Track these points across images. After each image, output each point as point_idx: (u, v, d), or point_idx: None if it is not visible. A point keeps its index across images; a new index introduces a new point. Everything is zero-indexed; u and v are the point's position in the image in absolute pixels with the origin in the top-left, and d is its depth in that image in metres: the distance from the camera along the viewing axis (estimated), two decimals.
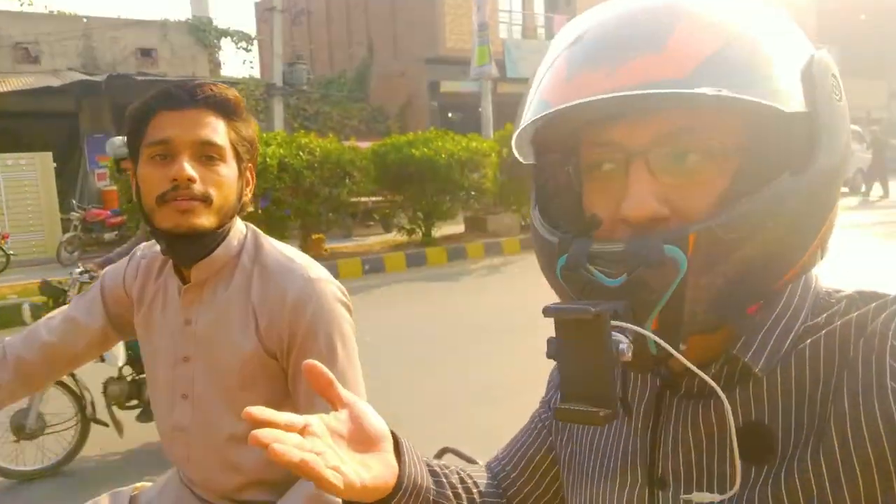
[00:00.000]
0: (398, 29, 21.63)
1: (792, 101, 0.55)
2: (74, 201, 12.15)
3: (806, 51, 0.59)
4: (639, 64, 0.54)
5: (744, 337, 0.61)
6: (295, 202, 9.16)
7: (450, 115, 20.62)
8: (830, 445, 0.55)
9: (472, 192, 11.03)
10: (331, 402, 0.66)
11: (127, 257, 1.41)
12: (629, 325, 0.55)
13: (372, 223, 13.33)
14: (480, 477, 0.87)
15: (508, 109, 18.10)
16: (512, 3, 21.67)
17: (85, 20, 15.58)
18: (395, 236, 11.30)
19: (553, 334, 0.57)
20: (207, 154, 1.14)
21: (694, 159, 0.58)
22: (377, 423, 0.67)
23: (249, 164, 1.24)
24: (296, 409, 1.18)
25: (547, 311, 0.56)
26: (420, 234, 10.92)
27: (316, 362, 0.65)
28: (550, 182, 0.70)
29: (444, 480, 0.77)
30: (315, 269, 1.24)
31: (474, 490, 0.82)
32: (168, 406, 1.30)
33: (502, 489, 0.88)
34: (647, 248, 0.54)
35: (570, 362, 0.56)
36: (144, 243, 1.42)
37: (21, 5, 15.37)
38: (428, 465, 0.76)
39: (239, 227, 1.28)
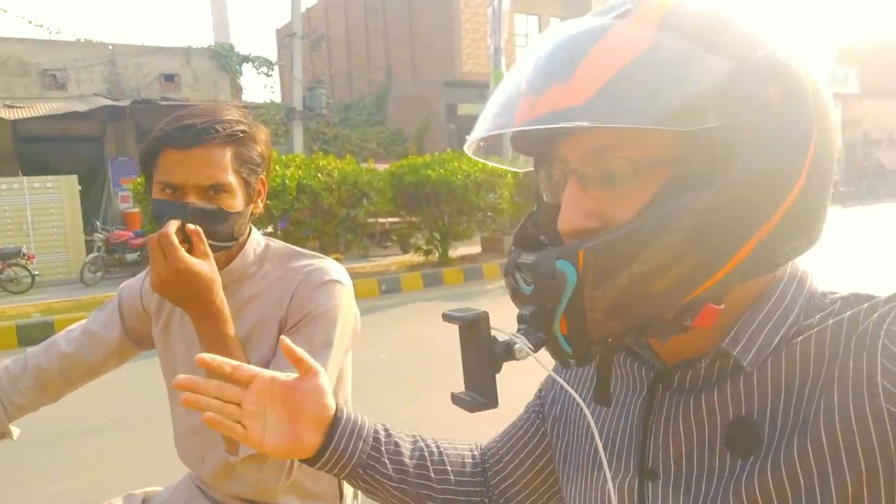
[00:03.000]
0: (416, 53, 21.91)
1: (697, 117, 0.55)
2: (98, 223, 12.35)
3: (740, 59, 0.56)
4: (552, 93, 0.57)
5: (733, 330, 0.63)
6: (313, 223, 9.26)
7: (467, 137, 20.71)
8: (819, 439, 0.56)
9: (489, 213, 11.06)
10: (301, 371, 0.79)
11: (145, 272, 1.45)
12: (498, 329, 0.64)
13: (389, 244, 13.40)
14: (460, 456, 0.91)
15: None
16: (528, 26, 21.88)
17: (111, 47, 15.95)
18: (411, 257, 11.33)
19: None
20: (213, 191, 1.19)
21: (618, 174, 0.60)
22: (319, 408, 0.79)
23: (261, 177, 1.28)
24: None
25: (443, 317, 0.67)
26: (436, 254, 10.95)
27: (285, 339, 0.78)
28: (538, 190, 0.73)
29: (387, 458, 0.84)
30: (339, 273, 1.31)
31: (436, 468, 0.87)
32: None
33: (489, 471, 0.91)
34: (543, 263, 0.59)
35: (465, 358, 0.66)
36: None
37: (50, 34, 15.75)
38: (379, 440, 0.84)
39: (255, 238, 1.33)
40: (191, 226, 1.14)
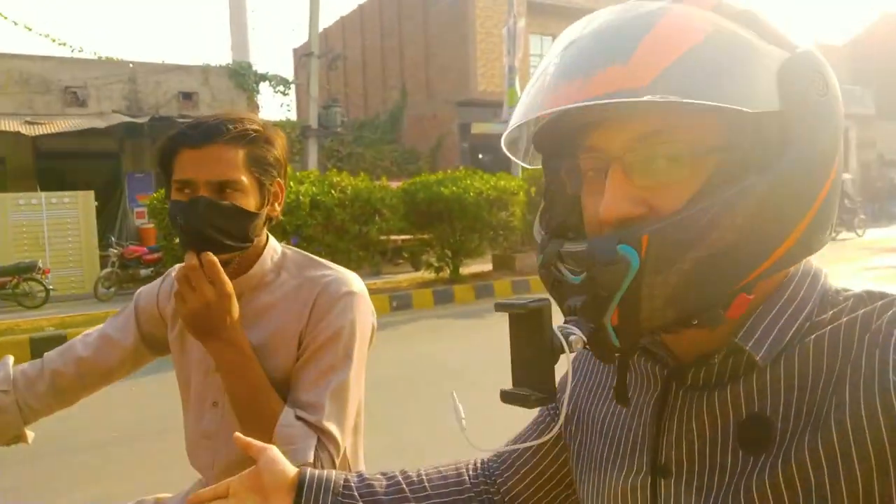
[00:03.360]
0: (431, 73, 22.10)
1: (760, 101, 0.56)
2: (113, 238, 12.47)
3: (787, 49, 0.60)
4: (608, 74, 0.56)
5: (747, 325, 0.63)
6: (326, 239, 9.29)
7: (480, 156, 20.83)
8: (829, 436, 0.56)
9: (500, 231, 11.06)
10: (253, 455, 0.85)
11: (161, 278, 1.48)
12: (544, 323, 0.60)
13: (401, 261, 13.42)
14: (439, 473, 0.93)
15: None
16: (543, 46, 22.00)
17: (131, 65, 16.21)
18: (423, 274, 11.34)
19: None
20: (225, 188, 1.21)
21: (666, 161, 0.60)
22: (276, 476, 0.83)
23: (277, 180, 1.30)
24: (295, 387, 1.25)
25: (496, 306, 0.62)
26: (448, 271, 10.96)
27: (238, 435, 0.87)
28: (553, 184, 0.73)
29: (360, 500, 0.85)
30: (358, 285, 1.32)
31: (412, 488, 0.89)
32: (198, 414, 1.36)
33: (500, 476, 0.92)
34: (602, 248, 0.57)
35: (517, 351, 0.61)
36: (179, 264, 1.48)
37: (72, 52, 16.03)
38: (350, 488, 0.86)
39: (273, 246, 1.35)
40: (210, 255, 1.19)
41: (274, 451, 0.85)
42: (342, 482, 0.85)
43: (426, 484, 0.89)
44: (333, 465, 1.21)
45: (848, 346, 0.59)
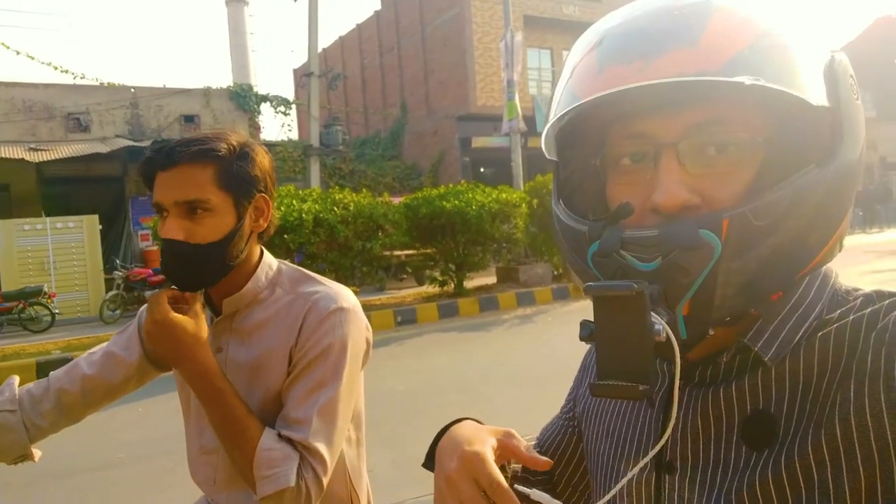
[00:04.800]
0: (430, 89, 22.23)
1: (817, 95, 0.57)
2: (118, 261, 12.51)
3: (827, 48, 0.61)
4: (674, 57, 0.56)
5: (756, 326, 0.62)
6: (329, 256, 9.31)
7: (482, 169, 20.89)
8: (833, 432, 0.56)
9: (503, 244, 11.07)
10: None
11: None
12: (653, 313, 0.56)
13: (405, 276, 13.42)
14: None
15: (538, 163, 18.30)
16: (541, 60, 22.13)
17: (133, 90, 16.35)
18: (427, 288, 11.33)
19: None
20: (195, 208, 1.19)
21: (722, 150, 0.60)
22: None
23: (260, 195, 1.28)
24: (285, 404, 1.24)
25: (589, 289, 0.58)
26: (452, 285, 10.95)
27: None
28: (575, 176, 0.72)
29: None
30: (349, 300, 1.31)
31: None
32: (197, 429, 1.35)
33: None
34: (682, 232, 0.56)
35: (608, 340, 0.57)
36: None
37: (74, 79, 16.17)
38: None
39: (268, 262, 1.33)
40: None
41: None
42: None
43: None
44: (319, 484, 1.19)
45: (854, 343, 0.59)
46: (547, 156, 0.72)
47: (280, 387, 1.26)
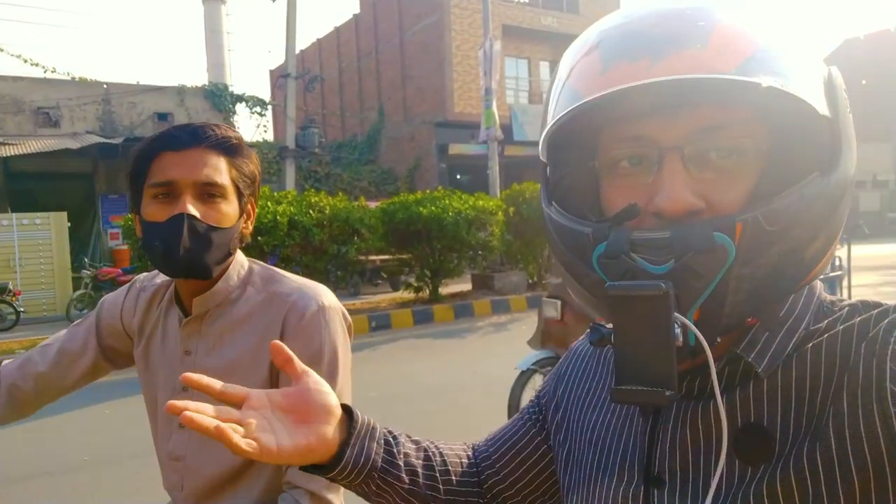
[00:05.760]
0: (408, 94, 22.23)
1: (821, 105, 0.57)
2: (87, 259, 12.28)
3: (823, 60, 0.61)
4: (684, 56, 0.56)
5: (749, 336, 0.62)
6: (304, 259, 9.23)
7: (458, 176, 20.93)
8: (828, 445, 0.56)
9: (479, 251, 11.08)
10: (290, 376, 0.72)
11: (125, 287, 1.43)
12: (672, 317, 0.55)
13: (380, 281, 13.36)
14: (458, 457, 0.88)
15: (515, 171, 18.41)
16: (518, 70, 22.28)
17: (105, 86, 16.09)
18: (402, 294, 11.30)
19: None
20: (209, 193, 1.16)
21: (727, 155, 0.59)
22: (323, 399, 0.71)
23: (251, 199, 1.27)
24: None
25: (611, 289, 0.56)
26: (427, 291, 10.93)
27: (277, 342, 0.73)
28: (567, 178, 0.70)
29: (401, 461, 0.79)
30: (327, 297, 1.27)
31: (440, 469, 0.84)
32: (165, 435, 1.31)
33: (481, 472, 0.89)
34: (697, 235, 0.55)
35: (629, 343, 0.55)
36: (145, 274, 1.42)
37: (45, 72, 15.85)
38: (390, 442, 0.79)
39: (240, 261, 1.30)
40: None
41: (318, 377, 0.73)
42: (384, 434, 0.79)
43: (449, 468, 0.85)
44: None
45: (845, 354, 0.59)
46: (541, 157, 0.70)
47: (256, 375, 1.22)
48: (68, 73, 15.89)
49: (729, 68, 0.55)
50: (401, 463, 0.79)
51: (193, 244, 1.14)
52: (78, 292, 11.18)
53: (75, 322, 1.44)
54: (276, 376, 1.22)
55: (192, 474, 1.27)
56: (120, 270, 11.63)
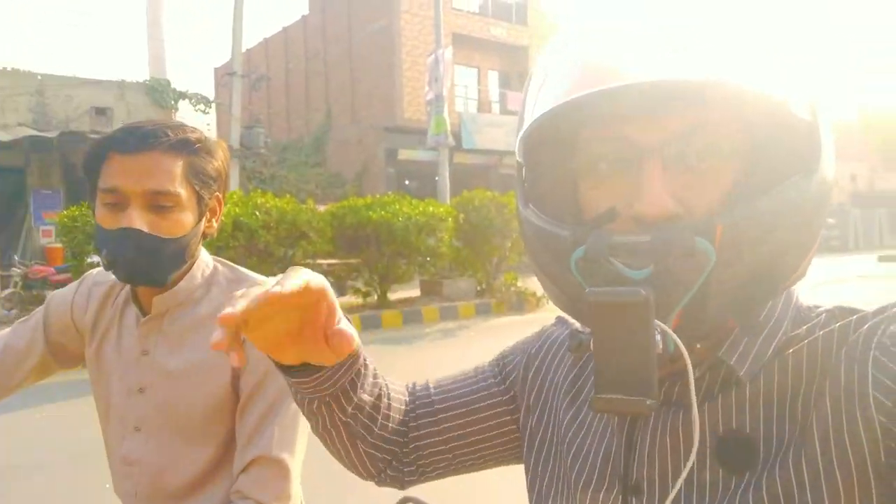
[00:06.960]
0: (356, 98, 22.10)
1: (799, 108, 0.58)
2: (16, 257, 11.72)
3: (806, 68, 0.62)
4: (666, 58, 0.56)
5: (729, 340, 0.62)
6: (249, 262, 9.00)
7: (406, 182, 20.89)
8: (812, 451, 0.56)
9: (429, 257, 11.06)
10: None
11: (76, 282, 1.36)
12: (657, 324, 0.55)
13: None
14: (399, 402, 0.86)
15: (463, 178, 18.48)
16: (468, 78, 22.43)
17: (39, 77, 15.41)
18: (350, 299, 11.18)
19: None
20: (159, 203, 1.10)
21: (705, 157, 0.59)
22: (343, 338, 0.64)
23: (217, 194, 1.21)
24: (240, 429, 1.17)
25: (592, 295, 0.55)
26: (375, 296, 10.84)
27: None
28: (542, 180, 0.69)
29: (356, 396, 0.78)
30: None
31: (382, 412, 0.83)
32: (118, 438, 1.25)
33: (417, 418, 0.87)
34: (677, 239, 0.54)
35: (608, 350, 0.55)
36: (97, 269, 1.35)
37: None
38: (360, 372, 0.78)
39: (204, 260, 1.25)
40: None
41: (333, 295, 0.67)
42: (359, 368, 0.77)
43: (391, 413, 0.84)
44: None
45: (826, 359, 0.59)
46: (518, 158, 0.69)
47: (222, 395, 1.17)
48: None
49: (708, 71, 0.55)
50: (354, 396, 0.77)
51: (140, 257, 1.10)
52: (7, 291, 10.66)
53: (21, 319, 1.36)
54: (237, 379, 1.18)
55: (147, 480, 1.21)
56: (53, 269, 11.12)
